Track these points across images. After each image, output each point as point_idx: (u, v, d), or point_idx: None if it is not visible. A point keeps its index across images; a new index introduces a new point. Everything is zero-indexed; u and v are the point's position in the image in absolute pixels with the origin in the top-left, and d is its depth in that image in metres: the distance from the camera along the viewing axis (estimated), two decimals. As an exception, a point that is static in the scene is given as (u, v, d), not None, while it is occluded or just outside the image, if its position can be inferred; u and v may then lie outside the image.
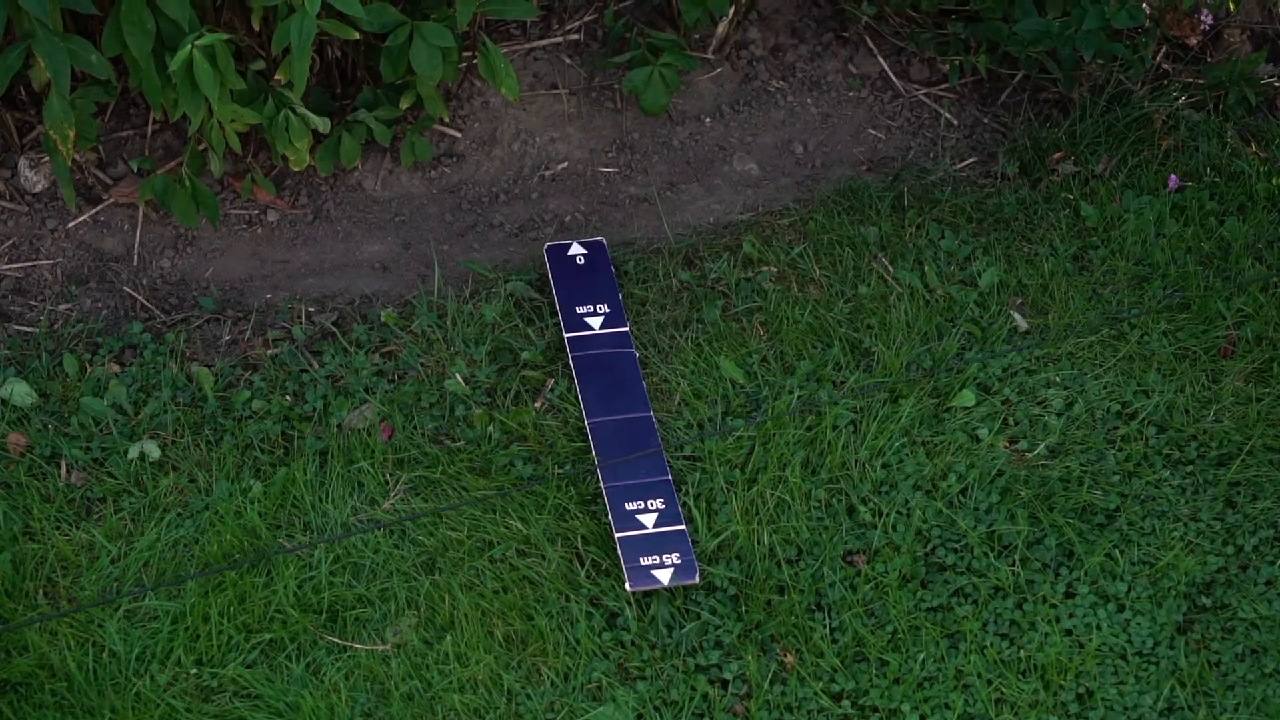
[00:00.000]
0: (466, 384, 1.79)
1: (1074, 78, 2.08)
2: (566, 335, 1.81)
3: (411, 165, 2.00)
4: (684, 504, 1.69)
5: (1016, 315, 1.88)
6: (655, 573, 1.62)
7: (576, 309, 1.84)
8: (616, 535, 1.64)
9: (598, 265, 1.88)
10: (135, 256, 1.92)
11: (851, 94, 2.12)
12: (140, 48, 1.66)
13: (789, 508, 1.69)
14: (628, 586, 1.61)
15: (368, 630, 1.60)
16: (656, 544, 1.64)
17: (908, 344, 1.83)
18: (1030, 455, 1.74)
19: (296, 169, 1.89)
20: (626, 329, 1.82)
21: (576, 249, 1.89)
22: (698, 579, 1.62)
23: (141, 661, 1.57)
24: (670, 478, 1.69)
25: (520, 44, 2.10)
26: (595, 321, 1.83)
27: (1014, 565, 1.65)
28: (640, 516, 1.66)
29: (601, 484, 1.69)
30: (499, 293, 1.87)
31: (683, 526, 1.65)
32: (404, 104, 1.91)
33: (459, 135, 2.04)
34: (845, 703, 1.57)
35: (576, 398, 1.76)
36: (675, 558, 1.63)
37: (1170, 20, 2.17)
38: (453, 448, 1.74)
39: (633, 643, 1.60)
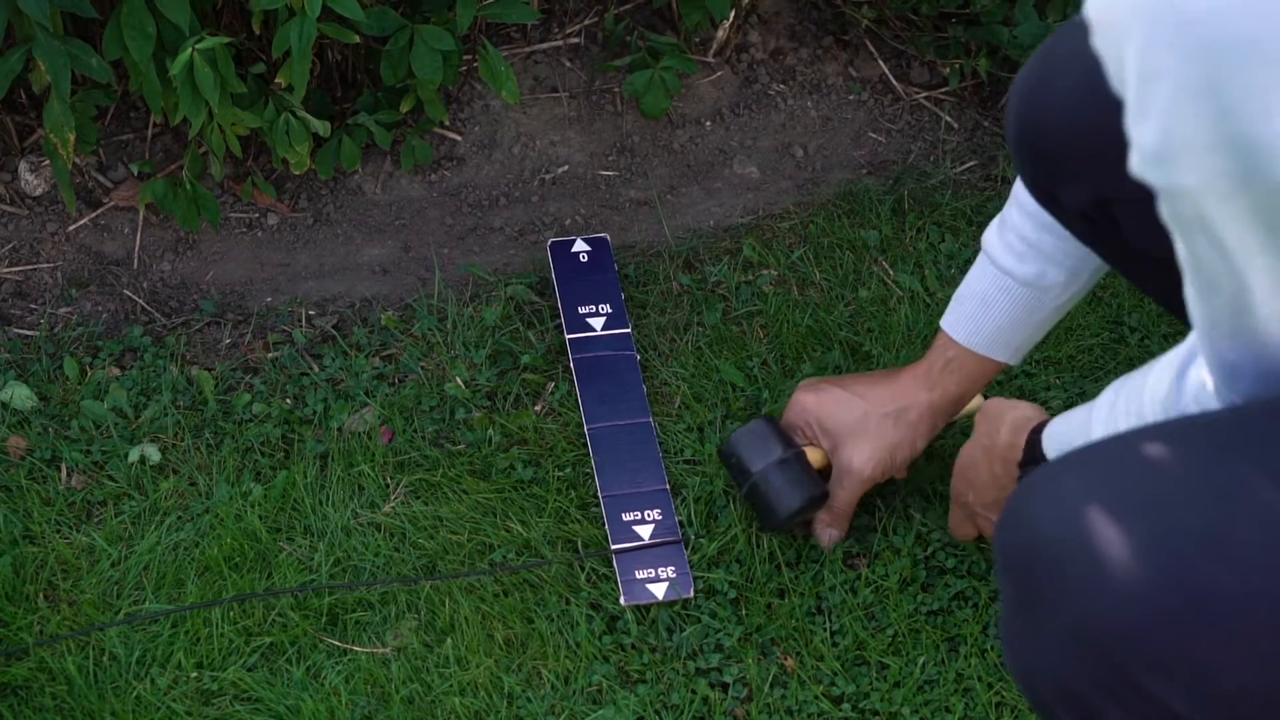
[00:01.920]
0: (467, 387, 1.79)
1: (1074, 81, 2.08)
2: (568, 337, 1.81)
3: (412, 168, 2.01)
4: (682, 509, 1.69)
5: (1017, 318, 1.88)
6: (650, 587, 1.61)
7: (578, 309, 1.83)
8: (612, 548, 1.64)
9: (601, 262, 1.88)
10: (135, 260, 1.93)
11: (852, 97, 2.12)
12: (140, 51, 1.66)
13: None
14: (622, 601, 1.61)
15: (368, 633, 1.60)
16: (652, 557, 1.64)
17: (908, 347, 1.83)
18: (1030, 458, 1.74)
19: (297, 172, 1.89)
20: (628, 330, 1.82)
21: (580, 245, 1.89)
22: (692, 593, 1.62)
23: (142, 665, 1.57)
24: (668, 487, 1.69)
25: (520, 47, 2.10)
26: (597, 322, 1.82)
27: (1014, 569, 1.65)
28: (636, 528, 1.66)
29: (599, 493, 1.69)
30: (499, 296, 1.87)
31: (679, 538, 1.65)
32: (404, 107, 1.91)
33: (459, 138, 2.04)
34: (845, 706, 1.57)
35: (577, 402, 1.76)
36: (671, 571, 1.63)
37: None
38: (453, 450, 1.74)
39: (633, 646, 1.60)
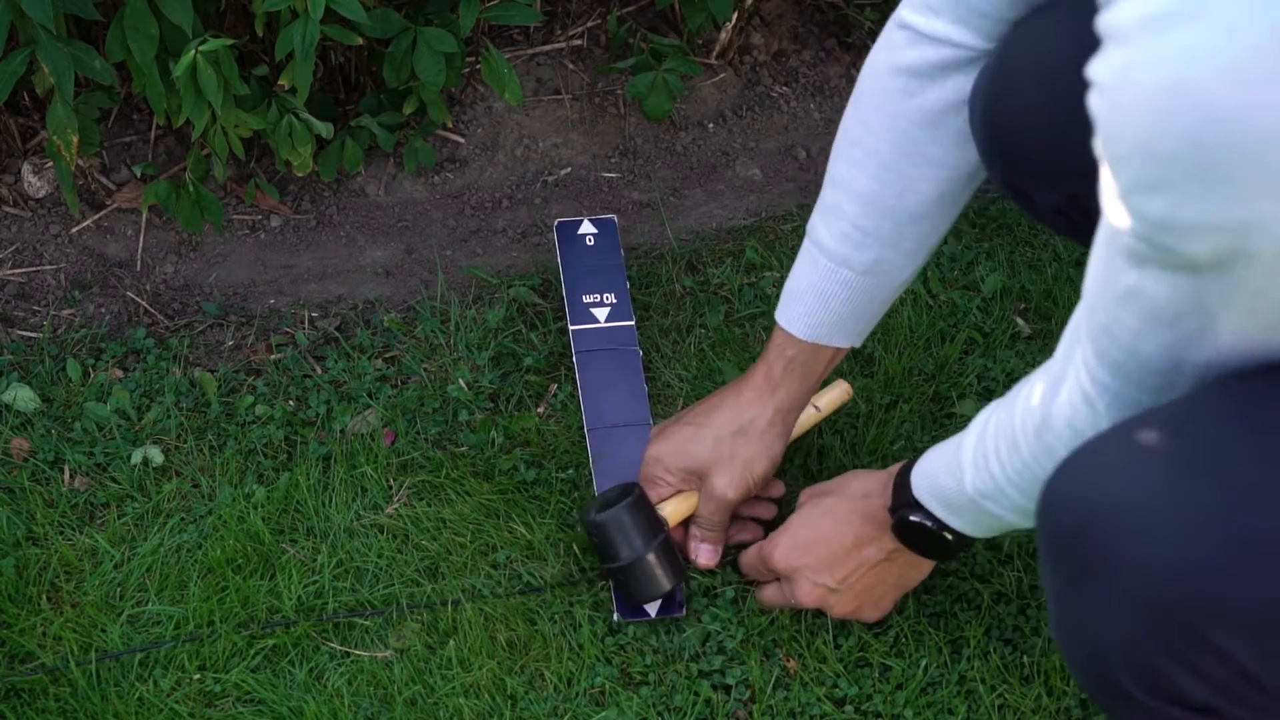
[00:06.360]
0: (469, 389, 1.79)
1: (1077, 83, 2.08)
2: (571, 328, 1.80)
3: (414, 170, 2.01)
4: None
5: (1019, 320, 1.88)
6: (644, 604, 1.60)
7: (583, 298, 1.82)
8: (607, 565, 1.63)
9: (607, 247, 1.87)
10: (139, 262, 1.93)
11: (854, 99, 2.12)
12: (143, 53, 1.66)
13: (789, 512, 1.68)
14: (616, 617, 1.60)
15: (370, 636, 1.60)
16: None
17: (910, 349, 1.83)
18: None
19: (300, 174, 1.89)
20: (632, 323, 1.81)
21: (587, 227, 1.88)
22: (684, 613, 1.61)
23: (145, 667, 1.57)
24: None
25: (523, 49, 2.10)
26: (601, 313, 1.81)
27: (1017, 571, 1.65)
28: None
29: (597, 495, 1.68)
30: (502, 298, 1.87)
31: (675, 555, 1.64)
32: (407, 109, 1.92)
33: (462, 141, 2.04)
34: (848, 708, 1.57)
35: (579, 404, 1.76)
36: None
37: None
38: (456, 452, 1.74)
39: (635, 648, 1.60)
